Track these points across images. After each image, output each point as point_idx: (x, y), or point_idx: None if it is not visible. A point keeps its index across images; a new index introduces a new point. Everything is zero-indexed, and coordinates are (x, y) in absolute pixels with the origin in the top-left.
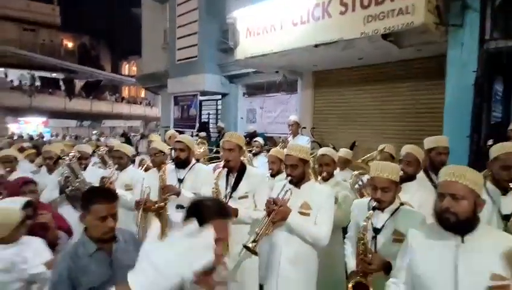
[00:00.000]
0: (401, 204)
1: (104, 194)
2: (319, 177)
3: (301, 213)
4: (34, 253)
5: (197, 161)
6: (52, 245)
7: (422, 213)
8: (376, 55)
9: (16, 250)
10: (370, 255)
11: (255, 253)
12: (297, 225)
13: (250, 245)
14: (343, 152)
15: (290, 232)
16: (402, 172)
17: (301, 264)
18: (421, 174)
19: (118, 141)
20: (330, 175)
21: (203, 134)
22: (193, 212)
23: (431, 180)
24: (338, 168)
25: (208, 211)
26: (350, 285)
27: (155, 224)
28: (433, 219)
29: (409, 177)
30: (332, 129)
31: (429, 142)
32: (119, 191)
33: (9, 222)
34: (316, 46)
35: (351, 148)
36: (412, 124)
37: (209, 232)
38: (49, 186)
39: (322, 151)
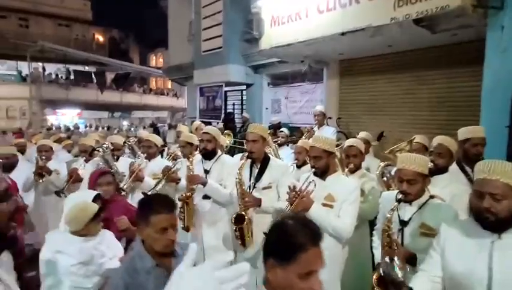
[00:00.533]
0: (431, 197)
1: (164, 202)
2: (346, 169)
3: (325, 205)
4: (108, 247)
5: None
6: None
7: (453, 207)
8: (406, 41)
9: (95, 243)
10: (395, 247)
11: None
12: (319, 217)
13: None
14: (363, 134)
15: None
16: (432, 164)
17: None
18: (454, 167)
19: (147, 131)
20: (357, 167)
21: (220, 125)
22: (278, 242)
23: (465, 173)
24: None
25: (300, 237)
26: (375, 276)
27: (192, 248)
28: (466, 214)
29: (440, 170)
30: (358, 119)
31: (464, 132)
32: (147, 178)
33: (85, 214)
34: (343, 34)
35: (378, 138)
36: (445, 113)
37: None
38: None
39: (349, 142)
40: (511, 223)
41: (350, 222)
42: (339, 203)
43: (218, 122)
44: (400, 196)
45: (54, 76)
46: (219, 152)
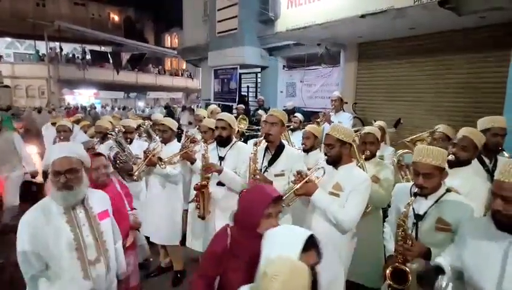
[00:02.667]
0: (447, 190)
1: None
2: (363, 156)
3: (332, 193)
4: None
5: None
6: None
7: (469, 203)
8: (430, 24)
9: None
10: (410, 242)
11: None
12: (321, 203)
13: None
14: (379, 122)
15: (318, 214)
16: (454, 156)
17: (331, 247)
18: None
19: (161, 115)
20: (373, 154)
21: (241, 106)
22: None
23: (483, 163)
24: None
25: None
26: (388, 271)
27: None
28: (483, 208)
29: (461, 162)
30: (375, 105)
31: (484, 122)
32: (169, 168)
33: None
34: (363, 16)
35: (396, 125)
36: (468, 100)
37: None
38: None
39: (367, 129)
40: None
41: (354, 213)
42: (345, 194)
43: (234, 105)
44: (415, 190)
45: (70, 56)
46: (234, 139)
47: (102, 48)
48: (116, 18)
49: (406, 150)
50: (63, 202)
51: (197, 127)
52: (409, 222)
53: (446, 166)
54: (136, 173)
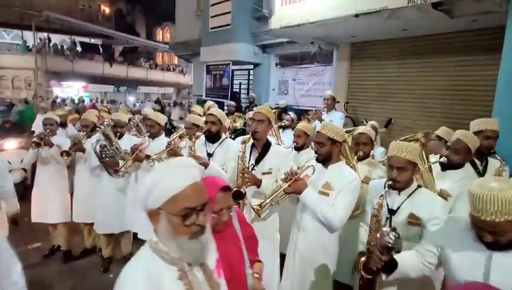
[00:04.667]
0: (419, 186)
1: None
2: (355, 157)
3: (321, 192)
4: None
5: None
6: None
7: (441, 199)
8: (423, 26)
9: None
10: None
11: (259, 215)
12: (310, 202)
13: (255, 207)
14: (371, 122)
15: (307, 212)
16: (446, 159)
17: (319, 245)
18: None
19: (151, 109)
20: (366, 155)
21: (231, 103)
22: None
23: (474, 165)
24: None
25: None
26: (361, 261)
27: None
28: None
29: (453, 165)
30: (367, 105)
31: (476, 124)
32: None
33: None
34: (357, 15)
35: (386, 125)
36: (458, 102)
37: None
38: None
39: (360, 129)
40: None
41: (342, 212)
42: (335, 193)
43: (225, 102)
44: (389, 183)
45: (59, 47)
46: (223, 135)
47: (92, 40)
48: (107, 10)
49: None
50: (193, 258)
51: None
52: (383, 217)
53: (419, 162)
54: (123, 169)
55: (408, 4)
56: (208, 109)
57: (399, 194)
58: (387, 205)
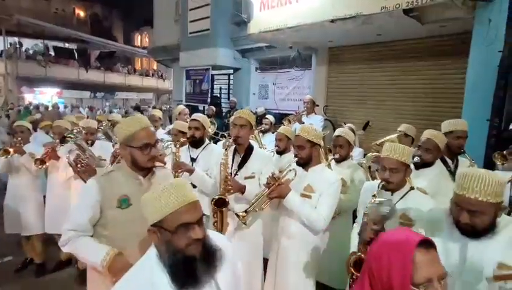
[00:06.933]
0: (411, 188)
1: None
2: (330, 158)
3: (303, 195)
4: None
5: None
6: None
7: (432, 200)
8: (396, 31)
9: None
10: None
11: (244, 223)
12: (293, 205)
13: (240, 214)
14: (348, 125)
15: (290, 215)
16: (419, 158)
17: (302, 247)
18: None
19: (120, 115)
20: (344, 157)
21: (211, 108)
22: None
23: (446, 164)
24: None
25: None
26: (352, 260)
27: None
28: (447, 208)
29: (426, 164)
30: (345, 108)
31: (447, 125)
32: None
33: None
34: (333, 21)
35: (364, 128)
36: (430, 104)
37: None
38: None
39: (337, 132)
40: (487, 231)
41: (326, 214)
42: (317, 195)
43: (205, 106)
44: (381, 184)
45: (31, 52)
46: (207, 140)
47: (67, 45)
48: (82, 14)
49: (376, 153)
50: None
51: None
52: None
53: (411, 163)
54: None
55: (381, 10)
56: (179, 114)
57: (392, 195)
58: None
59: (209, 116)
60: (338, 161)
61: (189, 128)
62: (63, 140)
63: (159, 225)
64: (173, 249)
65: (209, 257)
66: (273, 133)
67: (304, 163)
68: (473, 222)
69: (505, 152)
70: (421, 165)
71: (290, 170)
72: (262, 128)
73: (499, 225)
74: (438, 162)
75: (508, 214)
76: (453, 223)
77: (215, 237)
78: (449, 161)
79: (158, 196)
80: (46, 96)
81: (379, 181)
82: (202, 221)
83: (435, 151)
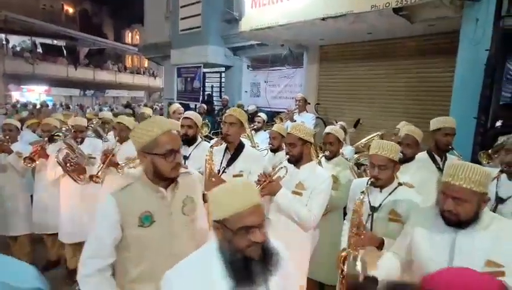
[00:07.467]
0: (399, 184)
1: None
2: (321, 155)
3: (295, 192)
4: None
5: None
6: None
7: (418, 196)
8: (386, 30)
9: None
10: (362, 229)
11: None
12: (283, 203)
13: None
14: (339, 123)
15: (281, 212)
16: (401, 154)
17: (292, 244)
18: (422, 155)
19: (110, 113)
20: (334, 154)
21: (202, 106)
22: None
23: (434, 161)
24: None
25: None
26: (341, 258)
27: None
28: (433, 201)
29: (407, 159)
30: (337, 105)
31: (435, 122)
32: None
33: None
34: (324, 19)
35: (355, 125)
36: (419, 102)
37: None
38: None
39: (327, 129)
40: (471, 222)
41: (316, 212)
42: (308, 192)
43: (197, 105)
44: (371, 180)
45: (18, 49)
46: (199, 138)
47: (55, 42)
48: (71, 10)
49: (363, 153)
50: None
51: None
52: (365, 214)
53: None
54: (100, 175)
55: (371, 9)
56: (174, 112)
57: (380, 191)
58: (369, 202)
59: (200, 114)
60: (328, 158)
61: (182, 126)
62: (51, 139)
63: (222, 223)
64: (234, 248)
65: (266, 260)
66: (265, 131)
67: (295, 160)
68: (456, 210)
69: (490, 151)
70: (403, 160)
71: (281, 168)
72: (255, 127)
73: (484, 220)
74: (420, 157)
75: (494, 211)
76: (438, 213)
77: (275, 243)
78: (438, 158)
79: (224, 195)
80: (34, 94)
81: (367, 179)
82: (264, 225)
83: (415, 146)
